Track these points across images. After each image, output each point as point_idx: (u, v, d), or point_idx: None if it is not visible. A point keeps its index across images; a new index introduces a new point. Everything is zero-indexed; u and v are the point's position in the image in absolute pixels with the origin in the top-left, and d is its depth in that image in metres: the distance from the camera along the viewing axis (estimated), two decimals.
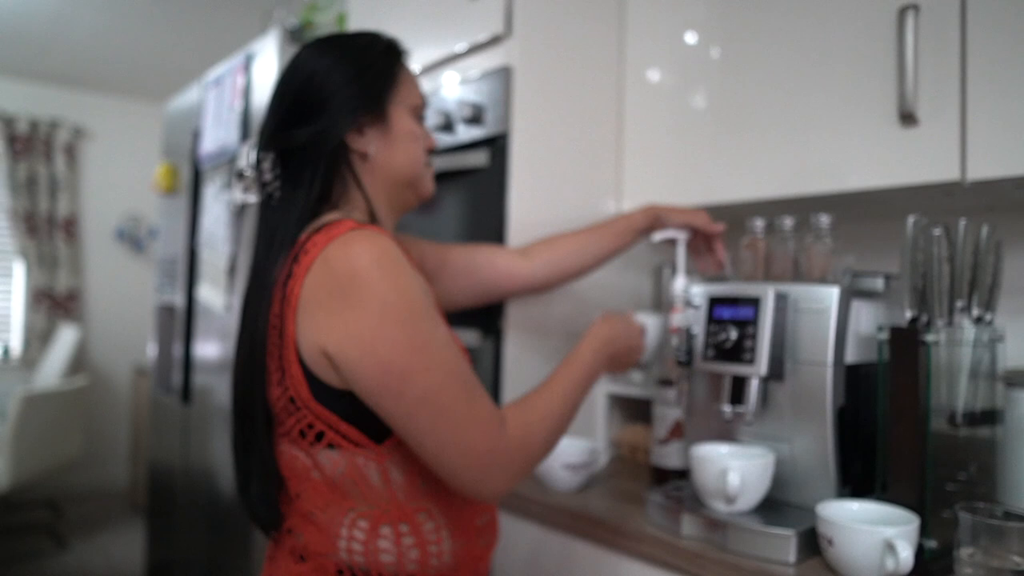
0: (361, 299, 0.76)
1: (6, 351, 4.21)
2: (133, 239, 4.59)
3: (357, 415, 0.80)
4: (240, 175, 0.90)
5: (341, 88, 0.88)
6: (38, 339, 4.22)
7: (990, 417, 1.01)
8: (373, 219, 0.92)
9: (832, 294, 0.98)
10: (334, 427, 0.81)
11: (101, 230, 4.51)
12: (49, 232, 4.28)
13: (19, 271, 4.28)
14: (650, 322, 1.13)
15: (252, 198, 0.91)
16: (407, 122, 0.94)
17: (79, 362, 4.18)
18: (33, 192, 4.24)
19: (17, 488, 2.96)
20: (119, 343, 4.52)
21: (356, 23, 1.75)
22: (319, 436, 0.81)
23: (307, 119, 0.88)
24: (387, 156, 0.92)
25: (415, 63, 1.53)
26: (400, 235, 1.08)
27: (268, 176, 0.89)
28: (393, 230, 0.99)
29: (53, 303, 4.29)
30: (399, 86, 0.94)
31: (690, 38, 1.37)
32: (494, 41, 1.35)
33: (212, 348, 2.00)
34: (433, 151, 1.01)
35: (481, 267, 1.18)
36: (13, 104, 4.20)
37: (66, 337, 3.82)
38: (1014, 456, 1.04)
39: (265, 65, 1.81)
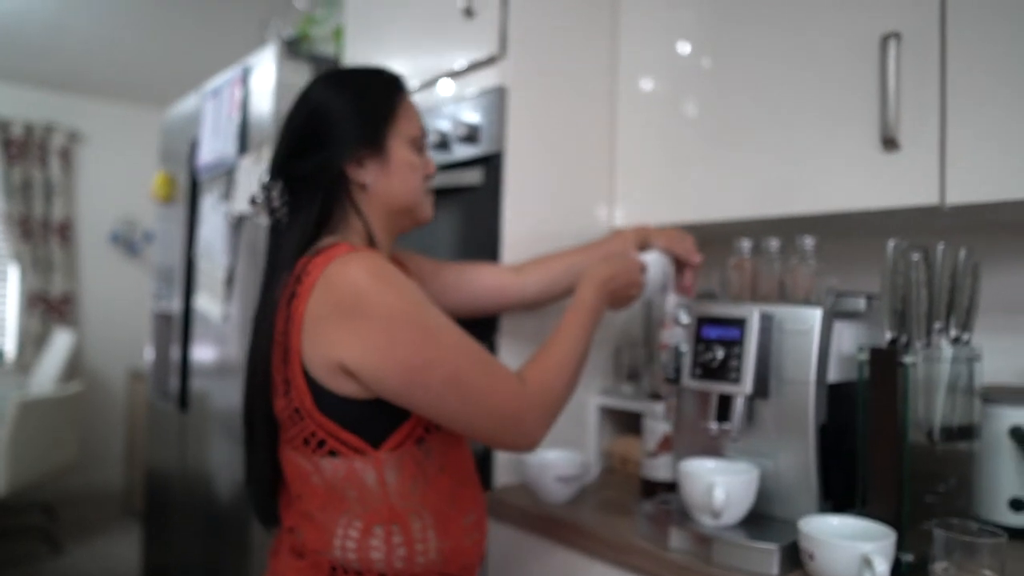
0: (368, 312, 0.82)
1: (0, 355, 4.21)
2: (128, 243, 4.60)
3: (357, 423, 0.86)
4: (253, 201, 0.97)
5: (340, 122, 0.93)
6: (33, 343, 4.22)
7: (967, 432, 1.05)
8: (371, 242, 0.97)
9: (815, 315, 1.01)
10: (335, 435, 0.86)
11: (96, 234, 4.52)
12: (44, 236, 4.29)
13: (14, 275, 4.29)
14: (650, 259, 1.17)
15: (262, 220, 0.98)
16: (405, 153, 0.98)
17: (74, 366, 4.19)
18: (28, 196, 4.25)
19: (13, 492, 2.97)
20: (114, 347, 4.52)
21: (352, 37, 1.78)
22: (320, 444, 0.86)
23: (310, 150, 0.93)
24: (385, 186, 0.97)
25: (410, 81, 1.56)
26: (399, 250, 1.12)
27: (276, 203, 0.94)
28: (390, 251, 1.03)
29: (48, 307, 4.29)
30: (398, 119, 0.98)
31: (682, 55, 1.40)
32: (489, 61, 1.38)
33: (209, 353, 2.02)
34: (432, 176, 1.04)
35: (472, 282, 1.21)
36: (8, 108, 4.20)
37: (61, 341, 3.82)
38: (990, 469, 1.08)
39: (263, 78, 1.83)
